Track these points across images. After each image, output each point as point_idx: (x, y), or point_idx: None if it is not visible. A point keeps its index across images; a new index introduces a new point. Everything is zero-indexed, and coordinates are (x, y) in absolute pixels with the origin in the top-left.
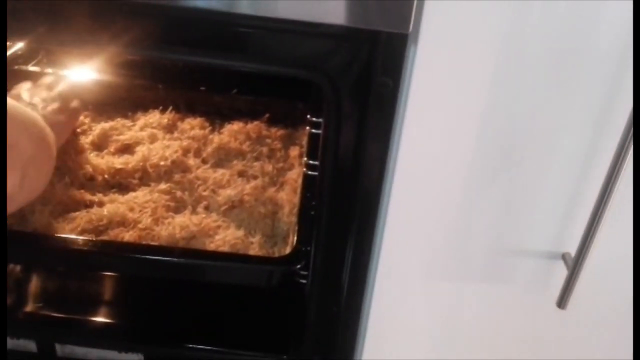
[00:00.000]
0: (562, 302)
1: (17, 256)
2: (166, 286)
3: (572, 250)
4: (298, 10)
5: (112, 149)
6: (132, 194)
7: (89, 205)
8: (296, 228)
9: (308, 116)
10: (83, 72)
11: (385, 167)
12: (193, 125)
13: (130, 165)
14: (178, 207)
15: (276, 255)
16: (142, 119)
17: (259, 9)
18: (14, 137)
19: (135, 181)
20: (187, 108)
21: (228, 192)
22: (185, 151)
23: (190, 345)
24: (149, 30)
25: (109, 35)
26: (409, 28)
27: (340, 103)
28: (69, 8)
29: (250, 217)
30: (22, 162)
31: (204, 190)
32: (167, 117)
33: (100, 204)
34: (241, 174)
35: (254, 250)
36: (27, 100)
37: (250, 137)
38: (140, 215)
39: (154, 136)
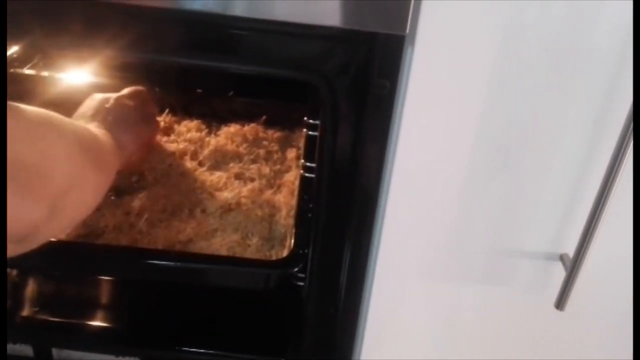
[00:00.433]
0: (560, 303)
1: (13, 261)
2: (163, 289)
3: (571, 251)
4: (294, 12)
5: None
6: (128, 197)
7: None
8: (293, 231)
9: (305, 118)
10: (79, 75)
11: (382, 168)
12: (190, 128)
13: (126, 169)
14: (175, 211)
15: (273, 258)
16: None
17: (255, 10)
18: (46, 162)
19: (132, 184)
20: (183, 110)
21: (225, 195)
22: (182, 154)
23: (188, 349)
24: (144, 33)
25: (105, 38)
26: (406, 29)
27: (337, 105)
28: (64, 11)
29: (248, 219)
30: (56, 191)
31: (201, 193)
32: (163, 120)
33: (97, 207)
34: (238, 176)
35: (251, 253)
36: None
37: (247, 139)
38: (137, 218)
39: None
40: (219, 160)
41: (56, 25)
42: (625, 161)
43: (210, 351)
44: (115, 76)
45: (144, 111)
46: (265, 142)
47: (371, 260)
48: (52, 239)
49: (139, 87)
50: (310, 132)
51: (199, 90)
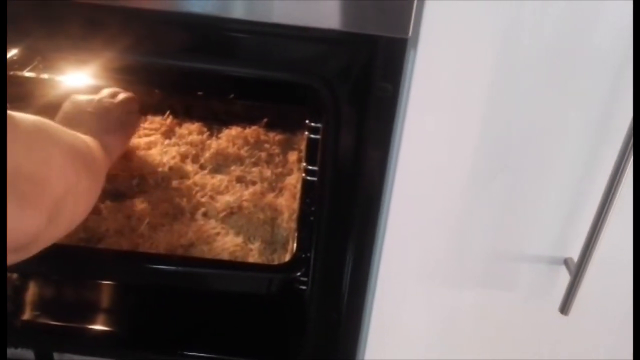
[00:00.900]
0: (565, 307)
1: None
2: (165, 294)
3: (575, 255)
4: (294, 14)
5: None
6: (130, 201)
7: None
8: (296, 234)
9: (307, 121)
10: (79, 77)
11: (385, 172)
12: (191, 131)
13: (127, 172)
14: (176, 214)
15: (276, 261)
16: (139, 125)
17: (254, 13)
18: (43, 170)
19: (133, 188)
20: (184, 113)
21: (226, 198)
22: (183, 157)
23: (190, 353)
24: (143, 36)
25: (105, 40)
26: (409, 32)
27: (339, 108)
28: (64, 14)
29: (249, 223)
30: (53, 199)
31: (202, 197)
32: (164, 123)
33: (98, 212)
34: (239, 179)
35: (254, 257)
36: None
37: (248, 142)
38: (138, 222)
39: (152, 142)
40: (220, 163)
41: (56, 28)
42: (629, 164)
43: (213, 355)
44: (115, 78)
45: (126, 110)
46: (266, 145)
47: (374, 264)
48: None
49: (117, 89)
50: (311, 135)
51: (199, 93)
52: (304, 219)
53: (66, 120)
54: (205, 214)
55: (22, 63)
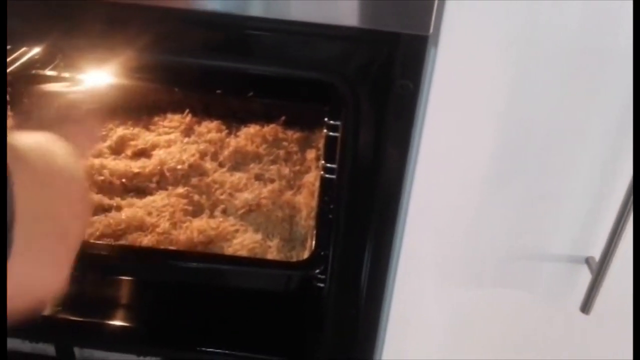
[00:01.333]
0: (586, 307)
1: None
2: (184, 290)
3: (597, 254)
4: (314, 12)
5: (129, 153)
6: (149, 198)
7: (107, 209)
8: (314, 232)
9: (325, 119)
10: (100, 76)
11: (404, 170)
12: (210, 129)
13: (147, 170)
14: (195, 211)
15: (294, 259)
16: (159, 123)
17: (274, 11)
18: (63, 218)
19: (153, 185)
20: (203, 111)
21: (245, 196)
22: (202, 155)
23: (209, 349)
24: (163, 34)
25: (125, 39)
26: (430, 30)
27: (358, 106)
28: (84, 12)
29: (268, 220)
30: (73, 249)
31: (221, 194)
32: (184, 121)
33: (119, 209)
34: (258, 177)
35: (272, 254)
36: None
37: (266, 140)
38: (158, 219)
39: (171, 140)
40: (239, 161)
41: (76, 27)
42: None
43: (231, 352)
44: (135, 77)
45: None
46: (285, 143)
47: (392, 262)
48: None
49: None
50: (330, 133)
51: (218, 91)
52: (322, 216)
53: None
54: (224, 211)
55: (44, 62)
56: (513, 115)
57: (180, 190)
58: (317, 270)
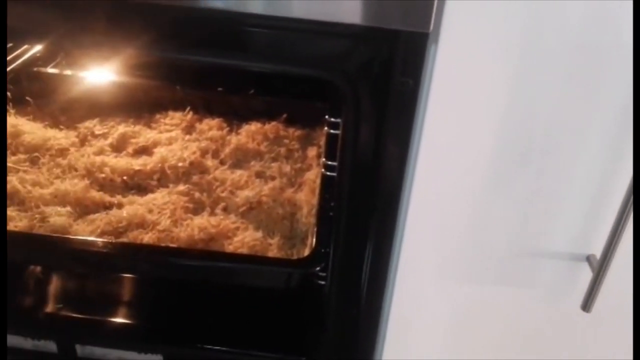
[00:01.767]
0: (587, 305)
1: (38, 258)
2: (185, 287)
3: (598, 252)
4: (314, 9)
5: (130, 150)
6: (150, 196)
7: (108, 206)
8: (315, 229)
9: (326, 117)
10: (101, 73)
11: (405, 167)
12: (211, 126)
13: (148, 167)
14: (196, 209)
15: (295, 256)
16: (161, 121)
17: (274, 8)
18: None
19: (154, 183)
20: (205, 109)
21: (246, 194)
22: (204, 152)
23: (210, 347)
24: (165, 32)
25: (126, 36)
26: (430, 27)
27: (359, 103)
28: (86, 10)
29: (269, 218)
30: None
31: (222, 192)
32: (185, 118)
33: (120, 206)
34: (259, 175)
35: (273, 252)
36: None
37: (267, 137)
38: (159, 216)
39: (172, 137)
40: (240, 158)
41: (78, 24)
42: None
43: (232, 349)
44: (137, 75)
45: None
46: (285, 141)
47: (393, 260)
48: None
49: None
50: (331, 131)
51: (220, 89)
52: (323, 214)
53: None
54: (225, 209)
55: (46, 59)
56: (513, 112)
57: (181, 187)
58: (318, 268)
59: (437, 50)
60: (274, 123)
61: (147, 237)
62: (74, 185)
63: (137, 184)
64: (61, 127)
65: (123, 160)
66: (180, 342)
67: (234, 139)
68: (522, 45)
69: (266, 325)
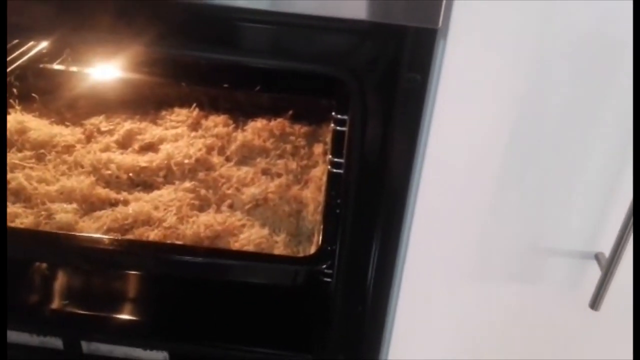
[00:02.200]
0: (595, 303)
1: (43, 255)
2: (191, 284)
3: (606, 250)
4: (322, 6)
5: (136, 147)
6: (156, 193)
7: (114, 203)
8: (321, 227)
9: (333, 113)
10: (107, 70)
11: (412, 164)
12: (217, 123)
13: (154, 164)
14: (202, 206)
15: (301, 254)
16: (166, 117)
17: (281, 4)
18: None
19: (160, 179)
20: (210, 105)
21: (252, 191)
22: (210, 149)
23: (215, 343)
24: (171, 28)
25: (132, 33)
26: (439, 23)
27: (366, 100)
28: (92, 6)
29: (275, 215)
30: None
31: (228, 189)
32: (191, 115)
33: (126, 203)
34: (265, 171)
35: (279, 249)
36: None
37: (273, 134)
38: (165, 213)
39: (178, 134)
40: (246, 155)
41: (84, 21)
42: None
43: (237, 346)
44: (143, 71)
45: None
46: (292, 137)
47: (400, 257)
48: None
49: None
50: (337, 127)
51: (225, 85)
52: (329, 211)
53: None
54: (231, 206)
55: (52, 56)
56: (523, 108)
57: (187, 184)
58: (324, 266)
59: (446, 46)
60: (279, 120)
61: (153, 234)
62: (80, 182)
63: (143, 181)
64: (67, 123)
65: (129, 157)
66: (186, 339)
67: (239, 136)
68: (532, 39)
69: (272, 322)
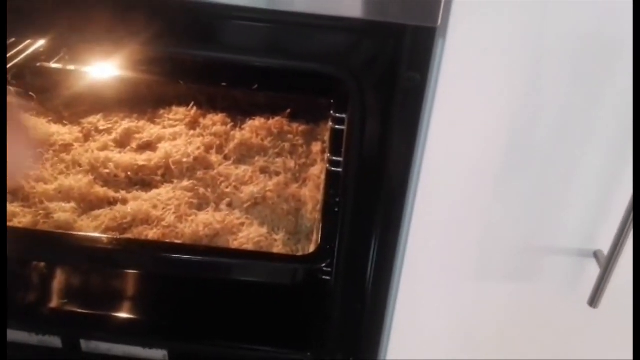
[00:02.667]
0: (594, 301)
1: (42, 254)
2: (190, 283)
3: (605, 248)
4: (321, 4)
5: (134, 146)
6: (155, 191)
7: (112, 202)
8: (320, 225)
9: (331, 112)
10: (105, 68)
11: (411, 163)
12: (215, 121)
13: (153, 163)
14: (201, 204)
15: (300, 252)
16: (164, 116)
17: (279, 3)
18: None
19: (158, 178)
20: (208, 104)
21: (251, 189)
22: (208, 147)
23: (215, 342)
24: (168, 27)
25: (130, 31)
26: (438, 21)
27: (365, 98)
28: (90, 5)
29: (274, 214)
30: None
31: (227, 187)
32: (189, 114)
33: (124, 202)
34: (263, 170)
35: (278, 248)
36: None
37: (272, 132)
38: (163, 212)
39: (177, 133)
40: (244, 154)
41: (82, 20)
42: None
43: (237, 344)
44: (140, 70)
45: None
46: (290, 136)
47: (398, 256)
48: (81, 233)
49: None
50: (336, 126)
51: (223, 84)
52: (328, 209)
53: None
54: (229, 205)
55: (49, 54)
56: (522, 107)
57: (186, 183)
58: (323, 264)
59: (445, 45)
60: (278, 118)
61: (152, 233)
62: (78, 180)
63: (141, 180)
64: (65, 122)
65: (127, 156)
66: (185, 337)
67: (238, 134)
68: (531, 38)
69: (271, 320)
